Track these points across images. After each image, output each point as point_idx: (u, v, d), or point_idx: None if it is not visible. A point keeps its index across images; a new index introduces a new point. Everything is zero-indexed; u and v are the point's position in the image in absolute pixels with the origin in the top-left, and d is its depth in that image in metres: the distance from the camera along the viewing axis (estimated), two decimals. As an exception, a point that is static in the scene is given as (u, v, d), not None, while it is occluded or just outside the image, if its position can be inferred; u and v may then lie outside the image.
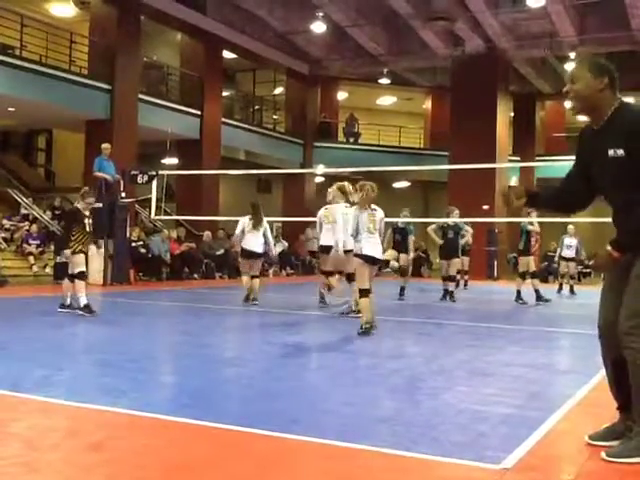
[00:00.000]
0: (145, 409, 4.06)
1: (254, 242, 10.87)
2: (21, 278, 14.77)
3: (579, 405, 4.57)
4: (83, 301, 8.74)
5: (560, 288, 16.33)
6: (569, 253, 16.22)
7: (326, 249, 9.95)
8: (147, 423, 3.87)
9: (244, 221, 11.04)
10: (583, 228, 28.80)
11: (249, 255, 10.95)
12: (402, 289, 12.45)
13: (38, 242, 15.98)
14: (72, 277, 8.88)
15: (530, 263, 12.74)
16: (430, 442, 3.59)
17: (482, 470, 3.20)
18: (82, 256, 8.87)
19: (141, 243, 16.25)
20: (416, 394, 4.89)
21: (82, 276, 8.86)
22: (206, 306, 11.19)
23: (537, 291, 12.64)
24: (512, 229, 21.38)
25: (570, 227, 16.44)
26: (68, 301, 8.99)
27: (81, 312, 8.72)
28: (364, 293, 7.52)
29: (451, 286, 12.34)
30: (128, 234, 15.45)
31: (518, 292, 12.70)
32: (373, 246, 7.55)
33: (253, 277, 11.04)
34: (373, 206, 7.71)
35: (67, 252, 8.80)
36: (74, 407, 4.11)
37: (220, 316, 9.75)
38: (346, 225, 8.28)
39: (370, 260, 7.54)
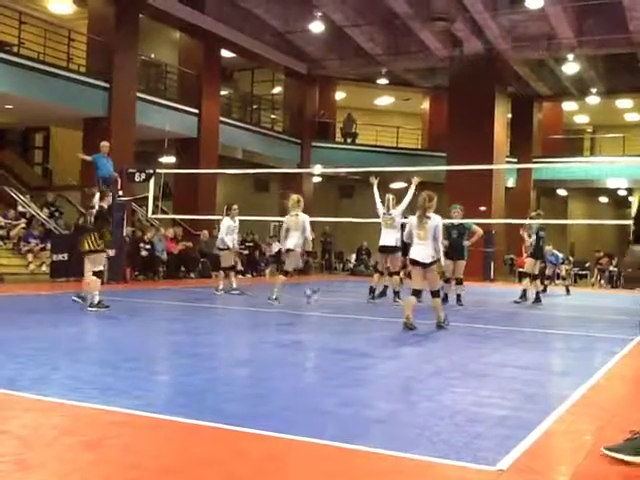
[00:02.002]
0: (141, 408, 4.05)
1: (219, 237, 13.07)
2: (17, 276, 14.72)
3: (575, 406, 4.57)
4: (97, 298, 9.08)
5: (544, 290, 16.64)
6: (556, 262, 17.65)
7: (385, 249, 11.37)
8: (143, 422, 3.86)
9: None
10: (579, 230, 28.92)
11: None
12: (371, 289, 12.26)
13: (38, 241, 15.92)
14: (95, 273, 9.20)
15: (536, 265, 13.27)
16: (426, 443, 3.59)
17: (478, 471, 3.20)
18: (104, 255, 9.26)
19: (149, 246, 16.19)
20: (412, 395, 4.89)
21: (101, 274, 9.34)
22: (202, 305, 11.18)
23: (526, 291, 13.02)
24: (508, 231, 21.42)
25: (548, 248, 17.19)
26: (97, 299, 9.09)
27: (94, 309, 9.01)
28: (412, 292, 8.37)
29: (460, 289, 12.25)
30: (127, 233, 15.42)
31: (537, 293, 13.09)
32: (419, 251, 8.28)
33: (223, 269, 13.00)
34: (429, 214, 8.30)
35: (110, 252, 9.33)
36: (70, 405, 4.10)
37: (216, 315, 9.76)
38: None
39: (414, 263, 8.37)
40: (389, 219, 11.24)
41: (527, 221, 13.42)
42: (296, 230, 10.78)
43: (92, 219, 9.25)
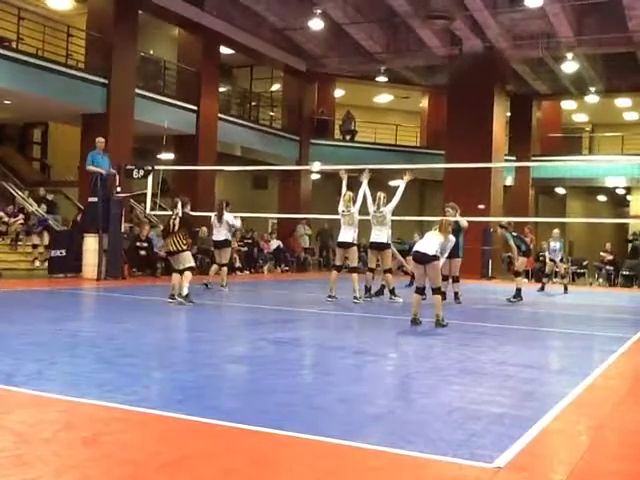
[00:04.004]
0: (139, 404, 4.05)
1: (216, 233, 12.95)
2: (14, 272, 14.72)
3: (572, 405, 4.58)
4: (185, 291, 9.79)
5: (542, 288, 16.70)
6: (554, 256, 17.14)
7: (376, 246, 11.58)
8: (141, 418, 3.86)
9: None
10: (577, 228, 28.94)
11: (215, 245, 13.11)
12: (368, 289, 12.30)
13: (38, 228, 15.87)
14: (181, 271, 9.99)
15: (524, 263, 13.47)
16: (423, 440, 3.59)
17: (475, 469, 3.20)
18: (189, 253, 10.21)
19: (146, 245, 16.15)
20: (410, 392, 4.90)
21: (192, 270, 10.11)
22: (200, 302, 11.16)
23: (520, 290, 12.95)
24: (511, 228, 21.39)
25: (555, 231, 17.24)
26: (186, 291, 9.78)
27: (181, 300, 9.74)
28: (416, 290, 8.56)
29: (456, 286, 12.25)
30: (124, 229, 15.40)
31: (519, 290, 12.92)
32: (423, 244, 8.52)
33: (221, 266, 12.97)
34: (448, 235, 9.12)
35: (187, 258, 10.06)
36: (67, 401, 4.10)
37: (214, 312, 9.75)
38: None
39: (417, 258, 8.55)
40: (380, 216, 11.29)
41: (528, 219, 13.47)
42: (350, 225, 11.31)
43: (175, 223, 9.98)
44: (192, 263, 10.24)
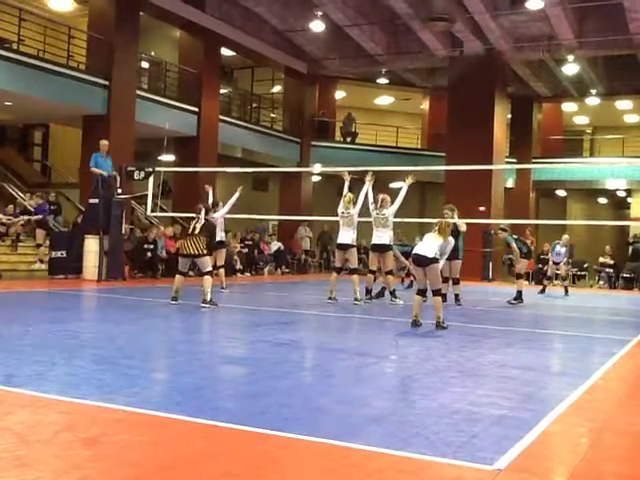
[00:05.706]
0: (139, 406, 4.05)
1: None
2: (15, 273, 14.72)
3: (572, 407, 4.58)
4: (209, 296, 9.97)
5: (543, 290, 16.70)
6: (557, 259, 17.24)
7: (378, 248, 11.51)
8: (141, 420, 3.86)
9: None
10: (578, 230, 28.93)
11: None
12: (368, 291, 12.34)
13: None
14: (184, 273, 10.38)
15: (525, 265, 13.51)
16: (423, 442, 3.59)
17: (475, 471, 3.20)
18: (209, 258, 10.47)
19: (152, 247, 16.17)
20: (410, 394, 4.90)
21: (211, 274, 10.37)
22: (200, 303, 11.16)
23: (521, 292, 12.91)
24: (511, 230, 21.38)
25: (565, 236, 17.30)
26: (209, 296, 9.96)
27: (207, 305, 9.90)
28: (417, 292, 8.64)
29: (457, 289, 12.22)
30: (125, 231, 15.40)
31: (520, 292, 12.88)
32: (423, 247, 8.53)
33: (218, 267, 12.65)
34: (448, 237, 9.07)
35: (207, 262, 10.29)
36: (68, 402, 4.10)
37: (215, 314, 9.74)
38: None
39: (416, 261, 8.66)
40: (383, 218, 11.29)
41: (527, 221, 13.51)
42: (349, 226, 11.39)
43: (196, 226, 10.14)
44: (211, 267, 10.50)
